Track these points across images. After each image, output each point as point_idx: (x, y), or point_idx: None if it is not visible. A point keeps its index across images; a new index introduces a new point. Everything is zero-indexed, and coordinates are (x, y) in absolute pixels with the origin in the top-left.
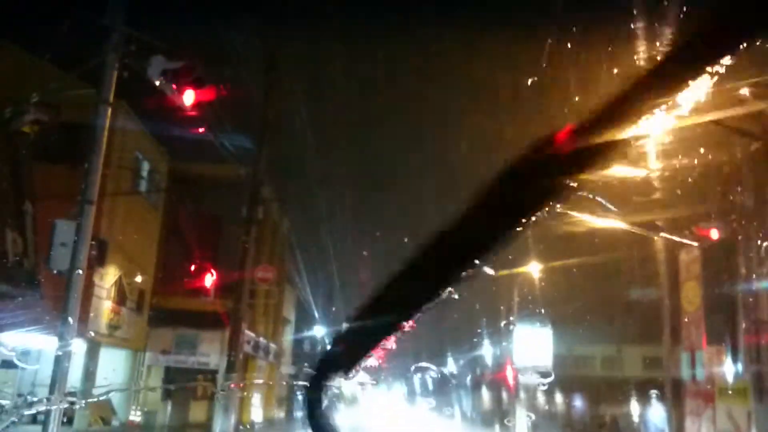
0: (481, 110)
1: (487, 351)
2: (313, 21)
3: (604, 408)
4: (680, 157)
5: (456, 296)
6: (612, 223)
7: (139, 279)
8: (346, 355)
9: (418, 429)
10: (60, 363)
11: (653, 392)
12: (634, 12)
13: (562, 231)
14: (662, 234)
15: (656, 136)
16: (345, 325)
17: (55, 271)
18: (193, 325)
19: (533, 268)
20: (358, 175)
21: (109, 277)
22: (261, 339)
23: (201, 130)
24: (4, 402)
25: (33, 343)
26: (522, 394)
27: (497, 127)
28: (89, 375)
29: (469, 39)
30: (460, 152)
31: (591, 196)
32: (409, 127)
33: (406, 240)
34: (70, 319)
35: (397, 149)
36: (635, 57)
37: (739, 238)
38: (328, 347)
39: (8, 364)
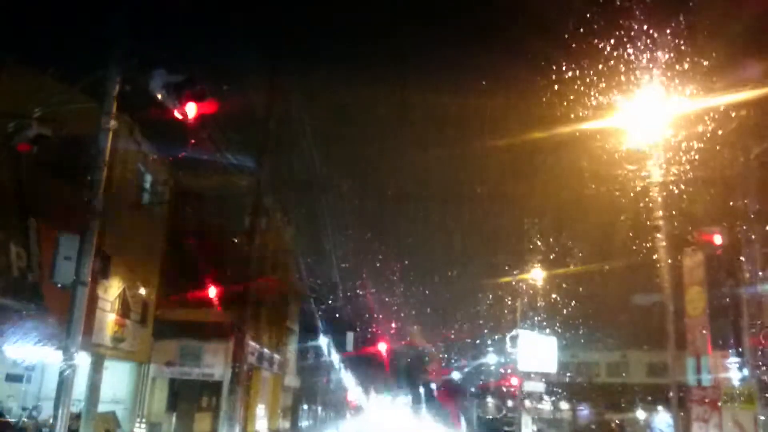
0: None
1: (491, 358)
2: (317, 32)
3: (609, 414)
4: (684, 163)
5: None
6: None
7: (143, 291)
8: None
9: None
10: (65, 376)
11: (659, 398)
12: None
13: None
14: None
15: (660, 143)
16: (349, 335)
17: (59, 285)
18: (198, 336)
19: (537, 275)
20: (362, 185)
21: (113, 289)
22: (265, 349)
23: (203, 142)
24: (9, 416)
25: (38, 357)
26: (527, 402)
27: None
28: (94, 388)
29: (476, 51)
30: (467, 161)
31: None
32: (416, 135)
33: (410, 247)
34: (75, 333)
35: (403, 158)
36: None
37: (743, 242)
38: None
39: (13, 378)
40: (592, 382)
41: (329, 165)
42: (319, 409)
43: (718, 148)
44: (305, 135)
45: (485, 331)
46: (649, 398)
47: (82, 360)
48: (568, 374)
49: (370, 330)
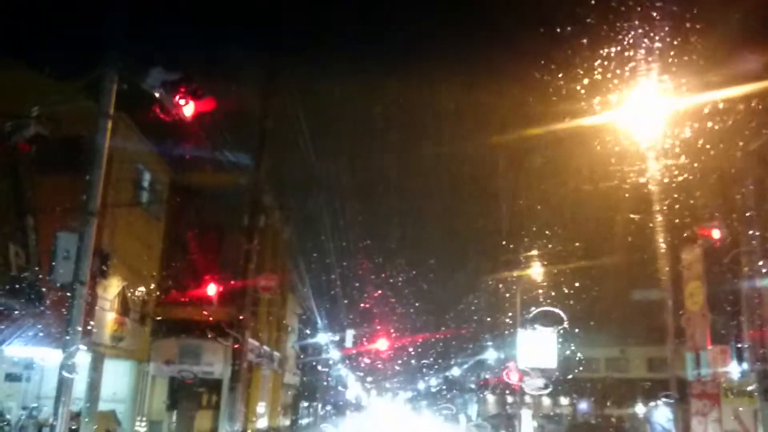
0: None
1: (491, 354)
2: (313, 29)
3: (609, 409)
4: (683, 157)
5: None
6: None
7: (142, 290)
8: None
9: None
10: (64, 375)
11: (658, 393)
12: None
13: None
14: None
15: (657, 138)
16: (348, 332)
17: (58, 284)
18: (197, 334)
19: (537, 271)
20: (360, 182)
21: (112, 288)
22: (265, 347)
23: (202, 140)
24: (9, 415)
25: (37, 356)
26: (527, 397)
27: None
28: (93, 387)
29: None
30: (466, 157)
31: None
32: (413, 133)
33: (407, 245)
34: (74, 331)
35: (400, 156)
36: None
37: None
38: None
39: (13, 377)
40: (592, 377)
41: (328, 162)
42: (319, 406)
43: (715, 142)
44: (303, 132)
45: (485, 327)
46: (649, 393)
47: (82, 359)
48: (567, 369)
49: (370, 327)
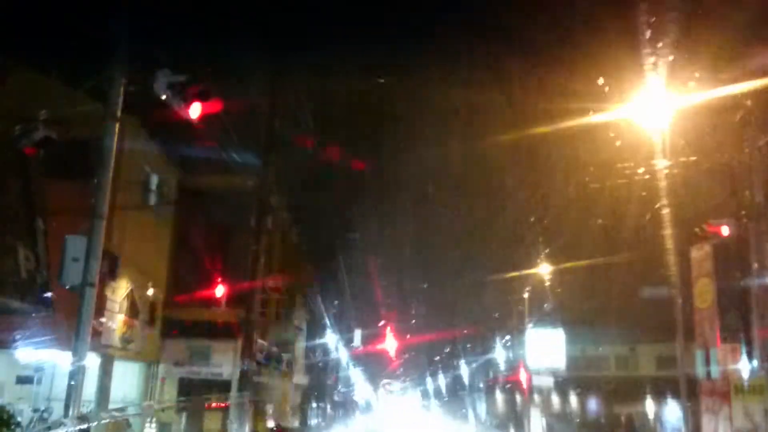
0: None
1: (499, 354)
2: (320, 29)
3: (619, 408)
4: (690, 154)
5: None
6: None
7: (150, 292)
8: None
9: None
10: (74, 378)
11: (668, 391)
12: None
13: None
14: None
15: (665, 135)
16: (356, 332)
17: (67, 287)
18: (206, 335)
19: (545, 270)
20: (367, 182)
21: (121, 290)
22: (273, 348)
23: (209, 141)
24: (20, 418)
25: (47, 359)
26: (536, 396)
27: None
28: (103, 389)
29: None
30: (471, 155)
31: None
32: (422, 130)
33: (415, 244)
34: (83, 334)
35: (407, 154)
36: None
37: (751, 233)
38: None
39: (24, 380)
40: (601, 375)
41: (335, 162)
42: (328, 406)
43: (724, 138)
44: (311, 131)
45: (494, 326)
46: (658, 391)
47: (92, 361)
48: (576, 368)
49: (378, 327)
